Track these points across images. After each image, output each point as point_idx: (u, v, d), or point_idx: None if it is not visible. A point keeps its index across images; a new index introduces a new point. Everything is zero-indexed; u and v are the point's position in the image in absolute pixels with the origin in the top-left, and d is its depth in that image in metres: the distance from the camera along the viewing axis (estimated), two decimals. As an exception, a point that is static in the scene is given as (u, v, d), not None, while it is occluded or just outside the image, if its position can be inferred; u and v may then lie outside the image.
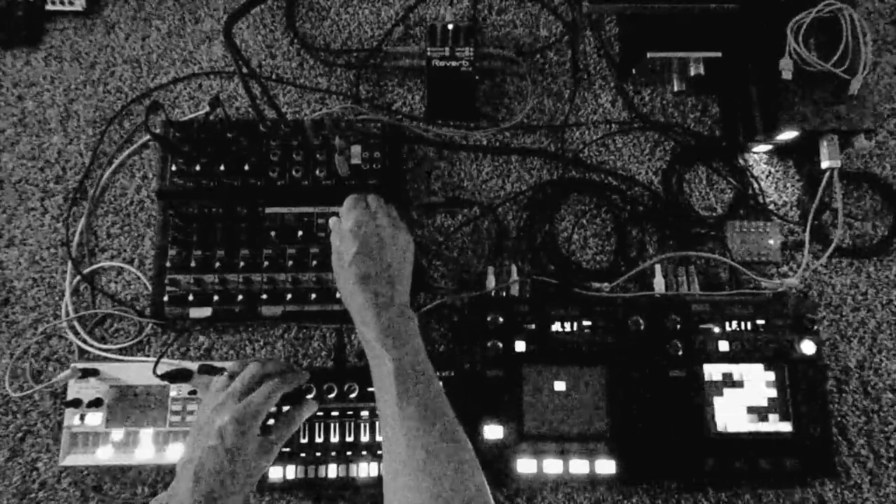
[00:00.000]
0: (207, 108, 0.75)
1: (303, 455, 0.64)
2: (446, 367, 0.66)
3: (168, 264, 0.69)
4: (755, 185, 0.77)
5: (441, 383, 0.53)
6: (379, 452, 0.64)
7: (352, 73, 0.80)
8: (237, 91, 0.79)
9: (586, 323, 0.67)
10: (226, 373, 0.57)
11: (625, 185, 0.77)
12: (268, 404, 0.54)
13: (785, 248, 0.75)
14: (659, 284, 0.71)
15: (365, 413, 0.65)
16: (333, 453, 0.64)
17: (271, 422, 0.57)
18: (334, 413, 0.65)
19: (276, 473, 0.63)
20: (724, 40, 0.75)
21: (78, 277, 0.72)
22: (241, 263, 0.69)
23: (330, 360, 0.70)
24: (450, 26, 0.77)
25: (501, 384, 0.66)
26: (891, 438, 0.70)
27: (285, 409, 0.60)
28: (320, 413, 0.65)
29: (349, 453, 0.64)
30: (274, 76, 0.80)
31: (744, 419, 0.65)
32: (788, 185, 0.78)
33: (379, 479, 0.63)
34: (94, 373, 0.67)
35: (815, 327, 0.67)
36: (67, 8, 0.80)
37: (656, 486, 0.67)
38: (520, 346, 0.67)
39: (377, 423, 0.64)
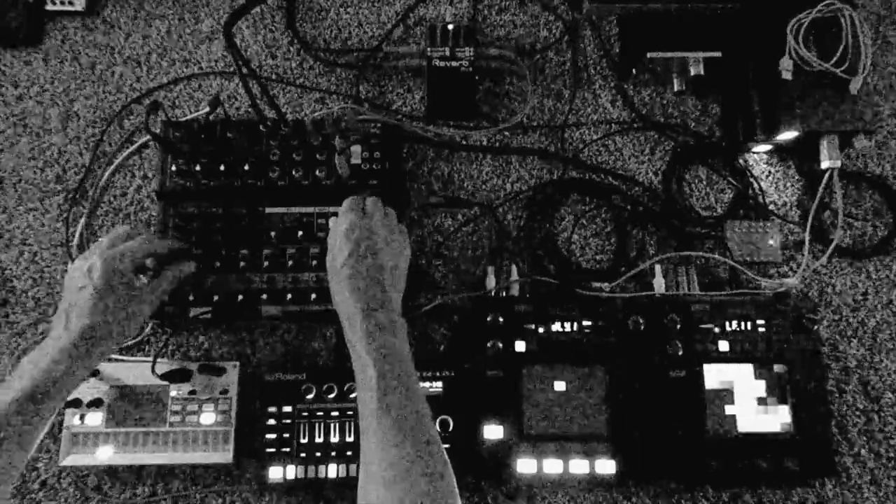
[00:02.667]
0: (207, 108, 0.75)
1: (303, 455, 0.64)
2: (446, 367, 0.66)
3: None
4: (755, 185, 0.77)
5: (423, 392, 0.53)
6: (379, 452, 0.64)
7: (352, 73, 0.80)
8: (237, 91, 0.79)
9: (586, 323, 0.67)
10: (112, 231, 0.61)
11: (625, 185, 0.77)
12: (134, 251, 0.57)
13: (785, 248, 0.75)
14: (659, 284, 0.71)
15: (365, 413, 0.65)
16: (333, 453, 0.64)
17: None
18: (334, 413, 0.65)
19: (276, 473, 0.63)
20: (724, 40, 0.75)
21: (78, 277, 0.72)
22: (241, 263, 0.69)
23: (330, 360, 0.70)
24: (450, 26, 0.77)
25: (501, 384, 0.66)
26: (891, 438, 0.70)
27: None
28: (320, 413, 0.65)
29: (349, 453, 0.64)
30: (274, 76, 0.80)
31: (744, 419, 0.65)
32: (788, 185, 0.78)
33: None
34: (95, 373, 0.67)
35: (815, 327, 0.67)
36: (67, 8, 0.80)
37: (656, 486, 0.67)
38: (520, 346, 0.67)
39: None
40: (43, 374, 0.50)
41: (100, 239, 0.59)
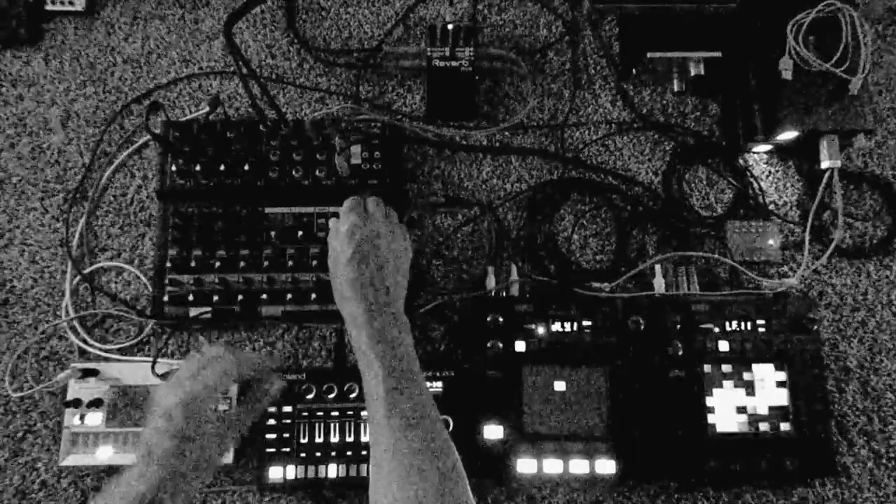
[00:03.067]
0: (207, 108, 0.75)
1: (303, 455, 0.64)
2: (446, 367, 0.66)
3: (168, 264, 0.69)
4: (755, 185, 0.77)
5: (430, 391, 0.52)
6: (379, 452, 0.64)
7: (352, 73, 0.80)
8: (237, 91, 0.79)
9: (586, 323, 0.67)
10: (198, 354, 0.54)
11: (625, 185, 0.77)
12: (219, 385, 0.51)
13: (785, 248, 0.75)
14: (659, 284, 0.71)
15: (365, 413, 0.65)
16: (333, 453, 0.64)
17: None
18: (334, 413, 0.65)
19: (276, 473, 0.63)
20: (724, 40, 0.75)
21: (78, 277, 0.72)
22: (241, 263, 0.69)
23: (330, 360, 0.70)
24: (450, 26, 0.77)
25: (501, 384, 0.66)
26: (891, 438, 0.70)
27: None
28: (320, 413, 0.65)
29: (349, 453, 0.64)
30: (274, 76, 0.80)
31: (744, 419, 0.65)
32: (788, 185, 0.78)
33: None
34: (94, 373, 0.67)
35: (815, 327, 0.67)
36: (67, 8, 0.80)
37: (656, 486, 0.67)
38: (520, 346, 0.67)
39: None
40: None
41: (181, 368, 0.53)
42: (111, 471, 0.67)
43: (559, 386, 0.66)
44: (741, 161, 0.78)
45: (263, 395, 0.57)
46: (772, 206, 0.77)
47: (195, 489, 0.50)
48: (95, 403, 0.66)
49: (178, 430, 0.49)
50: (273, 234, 0.70)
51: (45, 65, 0.80)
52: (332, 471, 0.63)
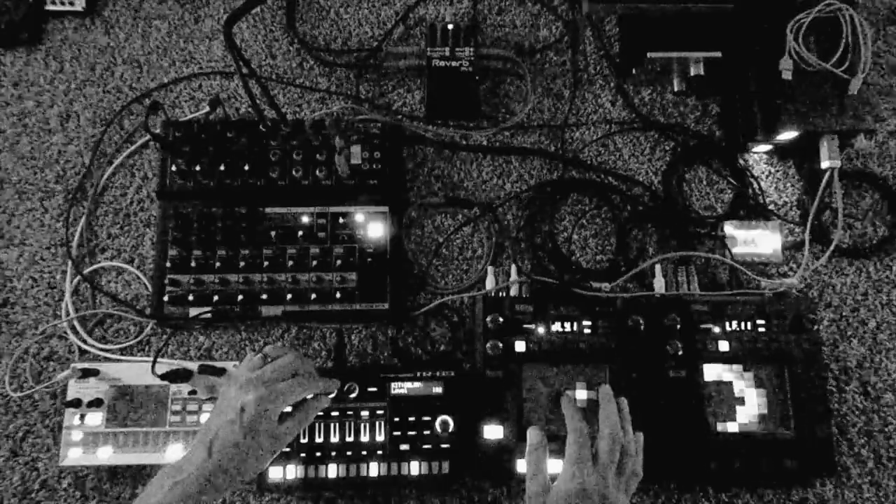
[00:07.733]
0: (207, 108, 0.75)
1: (303, 455, 0.64)
2: (446, 367, 0.66)
3: (168, 264, 0.69)
4: (755, 185, 0.77)
5: None
6: (379, 452, 0.64)
7: (352, 73, 0.80)
8: (237, 91, 0.79)
9: (586, 323, 0.67)
10: (260, 354, 0.58)
11: (625, 185, 0.77)
12: (292, 395, 0.54)
13: (785, 248, 0.75)
14: (659, 284, 0.71)
15: (365, 413, 0.65)
16: (333, 453, 0.64)
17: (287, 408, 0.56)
18: (334, 413, 0.65)
19: (276, 473, 0.63)
20: (724, 40, 0.75)
21: (78, 277, 0.72)
22: (241, 263, 0.69)
23: (330, 360, 0.70)
24: (450, 26, 0.77)
25: (501, 384, 0.66)
26: (891, 438, 0.70)
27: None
28: (320, 413, 0.64)
29: (349, 453, 0.64)
30: (274, 76, 0.80)
31: (744, 419, 0.65)
32: (788, 185, 0.78)
33: (380, 478, 0.63)
34: (94, 373, 0.67)
35: (815, 327, 0.67)
36: (67, 8, 0.80)
37: (656, 486, 0.67)
38: (520, 346, 0.67)
39: (377, 423, 0.64)
40: (184, 495, 0.50)
41: (266, 368, 0.55)
42: (111, 471, 0.67)
43: (559, 386, 0.66)
44: (741, 161, 0.78)
45: (313, 411, 0.58)
46: (772, 206, 0.77)
47: (249, 478, 0.53)
48: (95, 403, 0.66)
49: (245, 425, 0.51)
50: (273, 234, 0.70)
51: (45, 65, 0.80)
52: (332, 471, 0.63)
